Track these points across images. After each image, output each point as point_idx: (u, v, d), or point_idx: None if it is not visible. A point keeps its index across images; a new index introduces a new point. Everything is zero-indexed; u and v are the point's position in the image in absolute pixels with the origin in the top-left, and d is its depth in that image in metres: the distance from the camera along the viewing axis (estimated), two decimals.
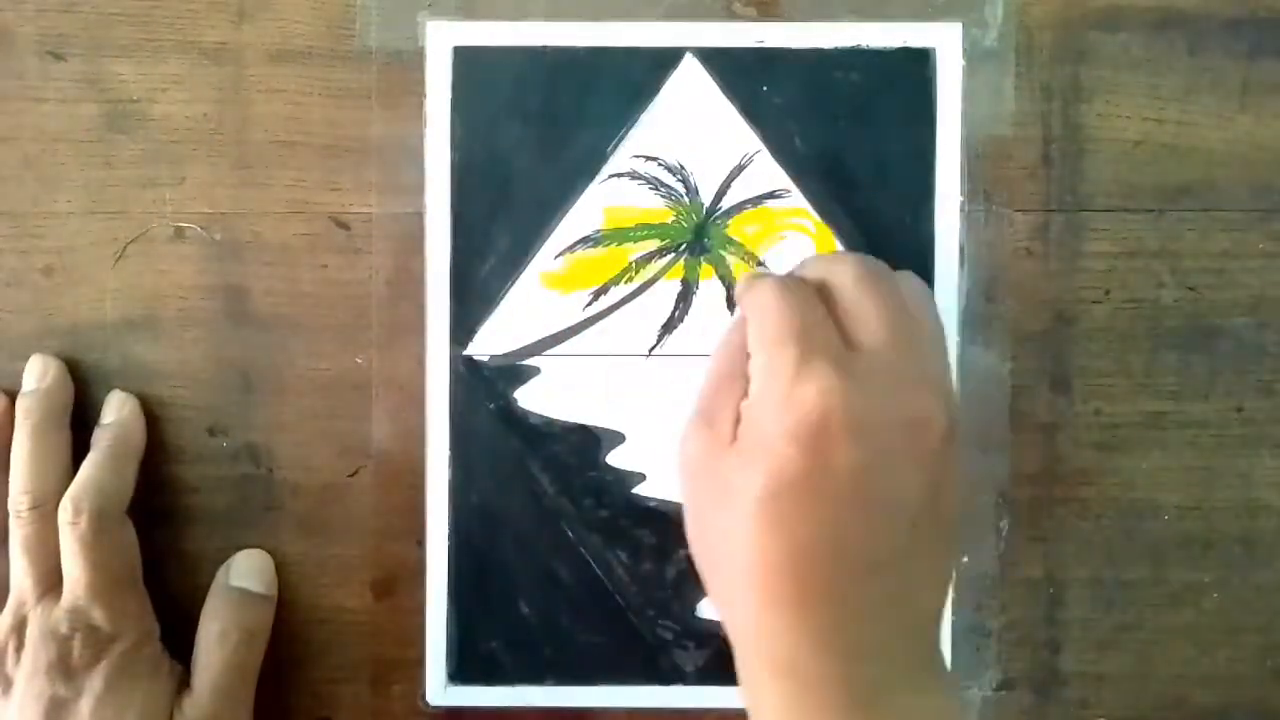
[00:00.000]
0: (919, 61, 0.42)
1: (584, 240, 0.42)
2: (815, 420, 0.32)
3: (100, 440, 0.41)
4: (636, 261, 0.42)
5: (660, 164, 0.42)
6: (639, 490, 0.42)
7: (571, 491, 0.42)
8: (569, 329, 0.42)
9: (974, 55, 0.41)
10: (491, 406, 0.42)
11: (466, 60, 0.42)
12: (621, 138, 0.42)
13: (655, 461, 0.42)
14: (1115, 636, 0.43)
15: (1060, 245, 0.42)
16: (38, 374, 0.41)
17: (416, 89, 0.42)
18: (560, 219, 0.42)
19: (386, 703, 0.43)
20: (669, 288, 0.42)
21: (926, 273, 0.42)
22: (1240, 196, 0.42)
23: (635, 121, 0.42)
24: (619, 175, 0.42)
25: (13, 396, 0.41)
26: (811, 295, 0.34)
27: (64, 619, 0.39)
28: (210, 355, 0.42)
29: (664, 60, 0.42)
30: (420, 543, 0.42)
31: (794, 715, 0.32)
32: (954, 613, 0.42)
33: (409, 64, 0.42)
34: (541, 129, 0.42)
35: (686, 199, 0.42)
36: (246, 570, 0.42)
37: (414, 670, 0.42)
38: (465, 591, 0.42)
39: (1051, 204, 0.42)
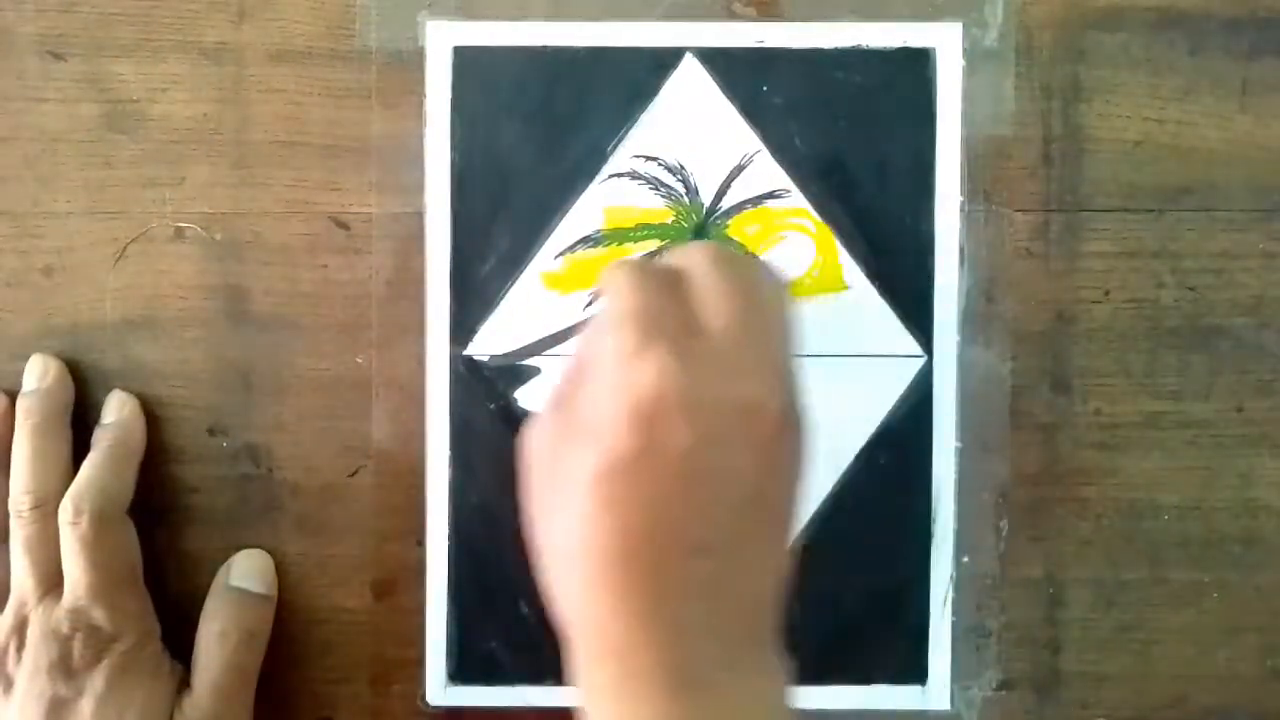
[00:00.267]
0: (919, 61, 0.42)
1: (584, 240, 0.42)
2: (649, 401, 0.31)
3: (100, 440, 0.41)
4: None
5: (660, 164, 0.42)
6: None
7: None
8: (569, 329, 0.42)
9: (974, 55, 0.41)
10: (491, 406, 0.42)
11: (466, 60, 0.42)
12: (621, 138, 0.42)
13: None
14: (1115, 636, 0.43)
15: (1060, 245, 0.42)
16: (38, 374, 0.41)
17: (416, 89, 0.42)
18: (560, 219, 0.42)
19: (386, 703, 0.43)
20: None
21: (926, 273, 0.42)
22: (1240, 196, 0.42)
23: (635, 121, 0.42)
24: (619, 175, 0.42)
25: (13, 396, 0.41)
26: (663, 280, 0.34)
27: (65, 619, 0.39)
28: (210, 355, 0.42)
29: (664, 60, 0.42)
30: (420, 543, 0.42)
31: (621, 698, 0.32)
32: (954, 613, 0.42)
33: (409, 64, 0.42)
34: (541, 129, 0.42)
35: (686, 199, 0.42)
36: (246, 570, 0.42)
37: (414, 670, 0.42)
38: (465, 591, 0.42)
39: (1051, 204, 0.42)
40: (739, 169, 0.42)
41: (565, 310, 0.42)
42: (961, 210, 0.42)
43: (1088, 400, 0.42)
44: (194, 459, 0.42)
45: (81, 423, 0.42)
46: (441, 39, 0.41)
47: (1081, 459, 0.42)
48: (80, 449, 0.41)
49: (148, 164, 0.42)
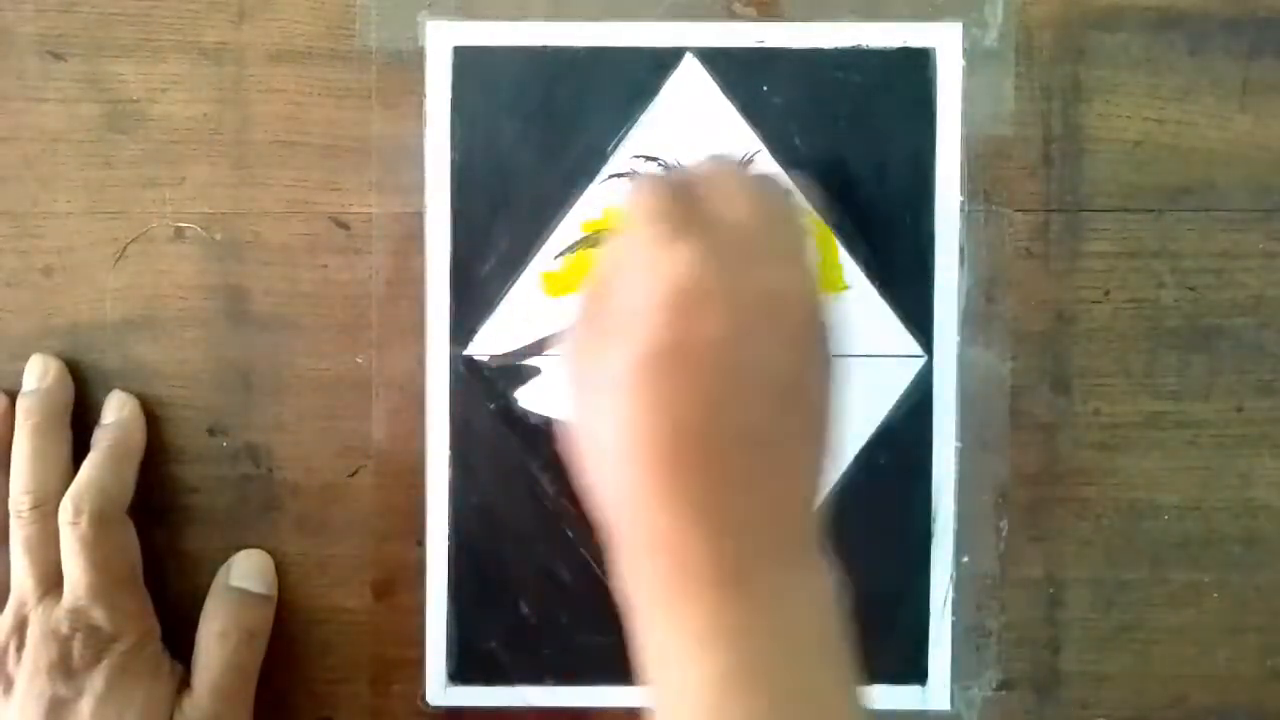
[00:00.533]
0: (919, 61, 0.42)
1: (584, 240, 0.42)
2: (682, 288, 0.32)
3: (100, 440, 0.41)
4: None
5: (660, 164, 0.42)
6: None
7: (572, 491, 0.42)
8: (569, 329, 0.42)
9: (974, 55, 0.41)
10: (491, 406, 0.42)
11: (466, 60, 0.42)
12: (621, 138, 0.42)
13: None
14: (1115, 636, 0.43)
15: (1060, 245, 0.42)
16: (38, 374, 0.41)
17: (416, 89, 0.42)
18: (560, 219, 0.42)
19: (386, 703, 0.43)
20: None
21: (926, 273, 0.42)
22: (1240, 196, 0.42)
23: (635, 121, 0.42)
24: (619, 175, 0.42)
25: (13, 396, 0.41)
26: (680, 184, 0.35)
27: (65, 619, 0.39)
28: (210, 355, 0.42)
29: (664, 60, 0.42)
30: (420, 543, 0.42)
31: (672, 593, 0.32)
32: (954, 613, 0.42)
33: (409, 64, 0.42)
34: (541, 129, 0.42)
35: None
36: (246, 570, 0.42)
37: (414, 670, 0.42)
38: (465, 591, 0.42)
39: (1051, 204, 0.42)
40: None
41: (566, 310, 0.42)
42: (961, 210, 0.42)
43: (1088, 400, 0.42)
44: (194, 459, 0.42)
45: (81, 423, 0.42)
46: (441, 39, 0.41)
47: (1081, 459, 0.42)
48: (80, 449, 0.41)
49: (148, 164, 0.42)
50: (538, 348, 0.42)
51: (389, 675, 0.43)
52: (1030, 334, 0.42)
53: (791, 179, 0.42)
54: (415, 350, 0.42)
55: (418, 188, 0.42)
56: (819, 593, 0.33)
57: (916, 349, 0.42)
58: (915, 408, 0.42)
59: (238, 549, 0.42)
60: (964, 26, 0.41)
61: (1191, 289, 0.42)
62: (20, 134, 0.42)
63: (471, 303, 0.42)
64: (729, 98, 0.42)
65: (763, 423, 0.32)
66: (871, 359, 0.42)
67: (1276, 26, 0.42)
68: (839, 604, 0.34)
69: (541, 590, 0.42)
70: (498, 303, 0.42)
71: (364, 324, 0.42)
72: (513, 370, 0.42)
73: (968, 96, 0.42)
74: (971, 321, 0.42)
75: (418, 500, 0.42)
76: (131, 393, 0.42)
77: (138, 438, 0.41)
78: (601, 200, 0.42)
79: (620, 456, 0.32)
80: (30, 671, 0.38)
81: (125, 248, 0.42)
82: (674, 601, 0.32)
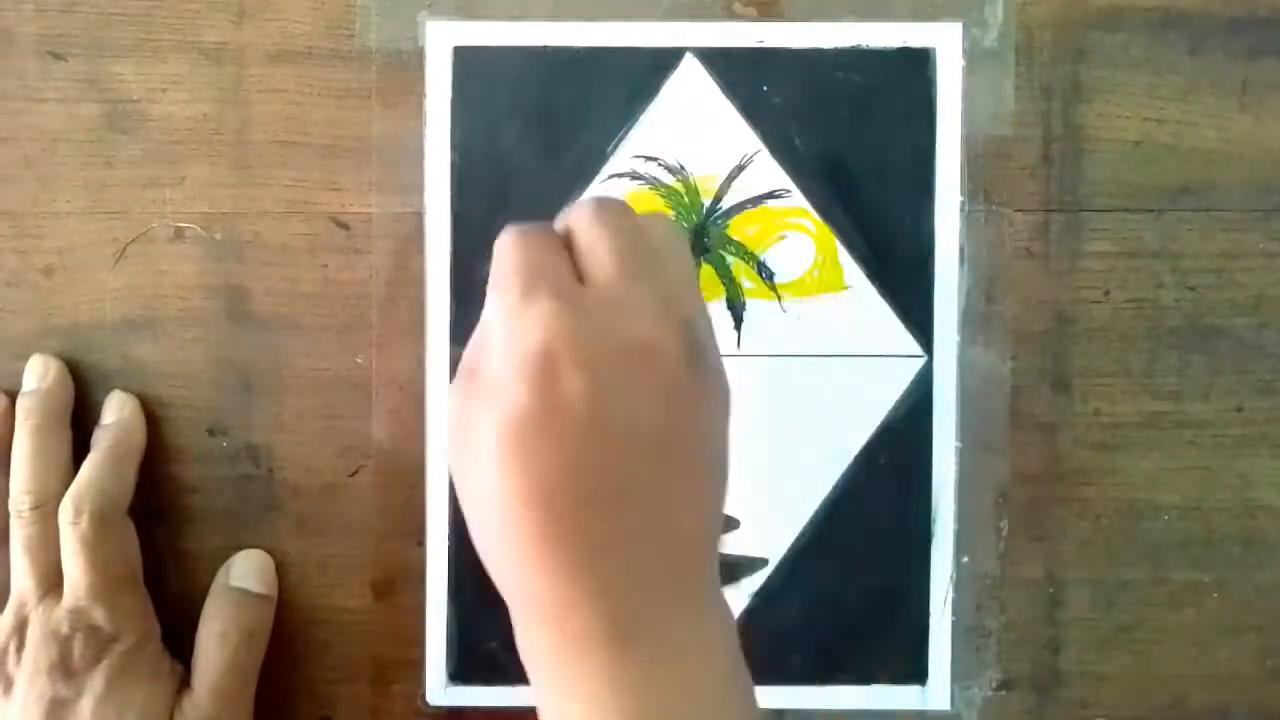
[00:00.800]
0: (919, 61, 0.42)
1: None
2: (539, 352, 0.31)
3: (100, 441, 0.41)
4: None
5: (660, 164, 0.42)
6: None
7: None
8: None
9: (974, 55, 0.41)
10: None
11: (466, 60, 0.42)
12: (621, 138, 0.42)
13: None
14: (1115, 636, 0.43)
15: (1060, 245, 0.42)
16: (38, 374, 0.41)
17: (416, 89, 0.42)
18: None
19: (386, 703, 0.43)
20: None
21: (926, 273, 0.42)
22: (1240, 196, 0.42)
23: (635, 121, 0.42)
24: (619, 175, 0.42)
25: (13, 396, 0.41)
26: (546, 238, 0.34)
27: (65, 619, 0.39)
28: (210, 355, 0.42)
29: (664, 60, 0.42)
30: (420, 543, 0.42)
31: (563, 658, 0.32)
32: (954, 613, 0.42)
33: (409, 64, 0.42)
34: (541, 129, 0.42)
35: (686, 199, 0.42)
36: (246, 571, 0.42)
37: (414, 670, 0.42)
38: (465, 591, 0.42)
39: (1051, 204, 0.42)
40: (739, 169, 0.42)
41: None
42: (961, 210, 0.42)
43: (1088, 400, 0.42)
44: (194, 459, 0.42)
45: (81, 423, 0.42)
46: (441, 39, 0.41)
47: (1081, 459, 0.42)
48: (80, 449, 0.41)
49: (148, 164, 0.42)
50: None
51: (389, 675, 0.43)
52: (1030, 334, 0.42)
53: (791, 179, 0.42)
54: (415, 350, 0.42)
55: (418, 188, 0.42)
56: (717, 635, 0.33)
57: (916, 349, 0.42)
58: (915, 408, 0.42)
59: (238, 549, 0.42)
60: (964, 26, 0.41)
61: (1191, 289, 0.42)
62: (20, 134, 0.42)
63: (471, 303, 0.42)
64: (729, 98, 0.42)
65: (633, 478, 0.32)
66: (871, 359, 0.42)
67: (1276, 26, 0.42)
68: (735, 648, 0.33)
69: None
70: None
71: (364, 324, 0.42)
72: None
73: (968, 96, 0.42)
74: (971, 321, 0.42)
75: (418, 500, 0.42)
76: (131, 393, 0.42)
77: (138, 438, 0.41)
78: None
79: (495, 521, 0.32)
80: (30, 672, 0.38)
81: (125, 248, 0.42)
82: (566, 663, 0.32)
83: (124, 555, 0.40)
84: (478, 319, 0.41)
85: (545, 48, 0.42)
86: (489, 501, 0.32)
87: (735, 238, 0.42)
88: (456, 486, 0.34)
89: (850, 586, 0.42)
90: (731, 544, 0.42)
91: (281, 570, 0.42)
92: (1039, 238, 0.42)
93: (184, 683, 0.40)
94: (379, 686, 0.43)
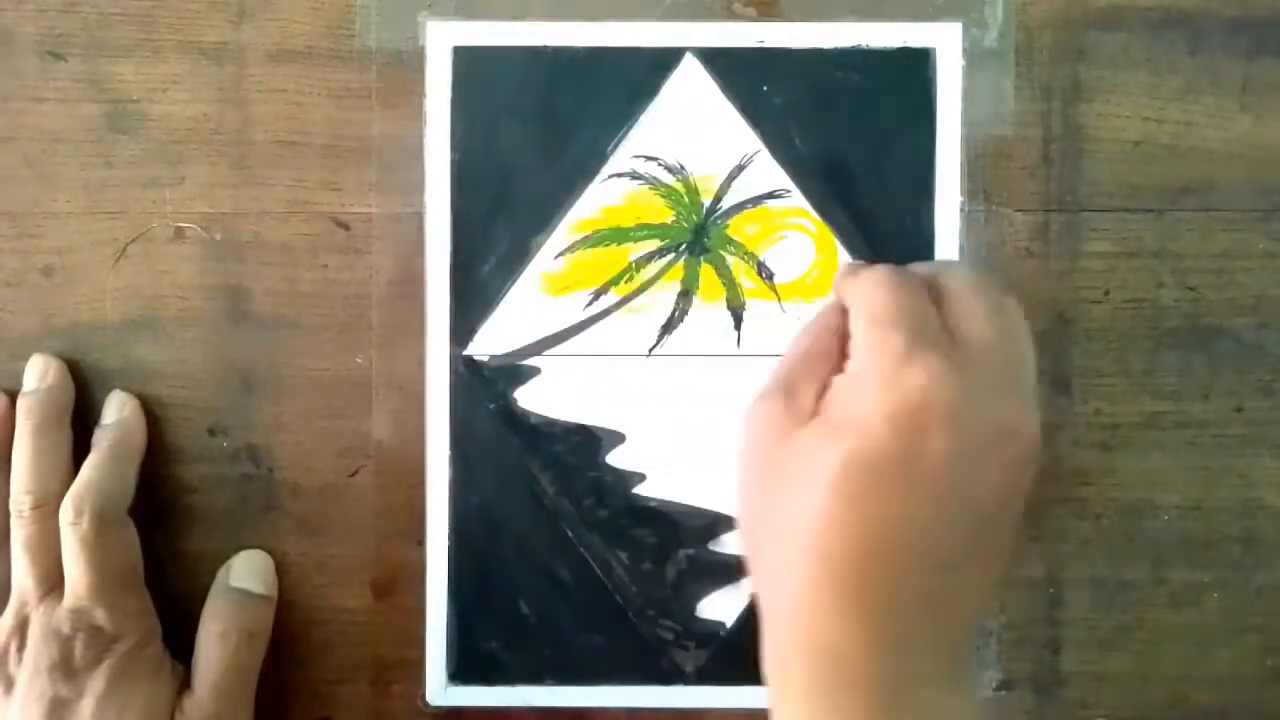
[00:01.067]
0: (919, 61, 0.42)
1: (584, 240, 0.42)
2: (916, 405, 0.32)
3: (101, 440, 0.41)
4: (636, 261, 0.42)
5: (660, 164, 0.42)
6: (639, 490, 0.42)
7: (571, 491, 0.42)
8: (569, 329, 0.42)
9: (974, 55, 0.41)
10: (491, 406, 0.42)
11: (466, 60, 0.42)
12: (621, 138, 0.42)
13: (655, 461, 0.42)
14: (1115, 636, 0.43)
15: (1060, 245, 0.42)
16: (39, 374, 0.41)
17: (416, 89, 0.42)
18: (560, 219, 0.42)
19: (386, 703, 0.43)
20: (669, 288, 0.42)
21: None
22: (1240, 196, 0.42)
23: (635, 121, 0.42)
24: (619, 175, 0.42)
25: (13, 396, 0.41)
26: (920, 286, 0.35)
27: (66, 619, 0.39)
28: (210, 355, 0.42)
29: (664, 60, 0.42)
30: (420, 543, 0.42)
31: (817, 691, 0.32)
32: None
33: (409, 64, 0.42)
34: (541, 129, 0.42)
35: (686, 199, 0.42)
36: (246, 571, 0.42)
37: (414, 670, 0.42)
38: (465, 591, 0.42)
39: (1051, 204, 0.42)
40: (739, 169, 0.42)
41: (565, 310, 0.42)
42: (961, 210, 0.42)
43: (1088, 400, 0.42)
44: (194, 459, 0.42)
45: (82, 422, 0.42)
46: (441, 39, 0.41)
47: (1081, 459, 0.42)
48: (81, 449, 0.41)
49: (148, 164, 0.42)
50: (538, 348, 0.42)
51: (389, 675, 0.43)
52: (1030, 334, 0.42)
53: (791, 179, 0.42)
54: (415, 350, 0.42)
55: (418, 188, 0.42)
56: (971, 711, 0.34)
57: None
58: None
59: (238, 549, 0.42)
60: (964, 26, 0.41)
61: (1191, 289, 0.42)
62: (20, 134, 0.42)
63: (471, 303, 0.42)
64: (729, 98, 0.42)
65: (956, 549, 0.32)
66: None
67: (1276, 26, 0.42)
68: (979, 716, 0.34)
69: (541, 590, 0.42)
70: (498, 303, 0.42)
71: (364, 324, 0.42)
72: (513, 370, 0.42)
73: (968, 96, 0.41)
74: None
75: (418, 500, 0.42)
76: (131, 393, 0.42)
77: (138, 438, 0.41)
78: (601, 200, 0.42)
79: (802, 554, 0.32)
80: (31, 671, 0.38)
81: (125, 248, 0.42)
82: (823, 702, 0.32)
83: (125, 555, 0.40)
84: (478, 319, 0.42)
85: (545, 48, 0.42)
86: (803, 530, 0.32)
87: (735, 238, 0.42)
88: (747, 503, 0.35)
89: None
90: (731, 544, 0.42)
91: (281, 570, 0.42)
92: (1039, 238, 0.42)
93: (185, 683, 0.40)
94: (379, 686, 0.43)
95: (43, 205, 0.42)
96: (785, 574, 0.33)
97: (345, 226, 0.42)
